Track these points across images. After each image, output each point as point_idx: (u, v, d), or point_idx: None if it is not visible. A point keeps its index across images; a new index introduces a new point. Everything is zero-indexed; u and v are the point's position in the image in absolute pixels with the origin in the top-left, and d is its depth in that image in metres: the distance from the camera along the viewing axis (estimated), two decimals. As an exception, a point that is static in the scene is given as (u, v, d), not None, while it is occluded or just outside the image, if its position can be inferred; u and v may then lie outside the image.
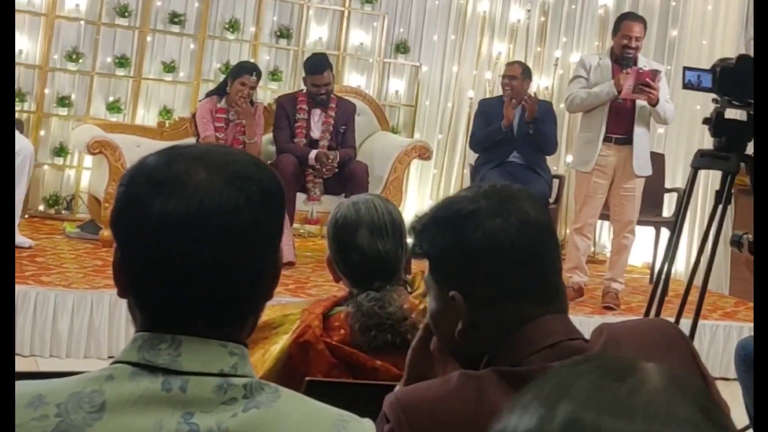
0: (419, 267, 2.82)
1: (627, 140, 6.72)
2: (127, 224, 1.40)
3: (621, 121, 6.75)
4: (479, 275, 1.70)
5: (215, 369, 1.36)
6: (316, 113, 7.26)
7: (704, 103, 7.87)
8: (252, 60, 8.05)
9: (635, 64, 6.70)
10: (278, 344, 2.60)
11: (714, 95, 4.73)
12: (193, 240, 1.35)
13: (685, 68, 4.98)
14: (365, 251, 2.62)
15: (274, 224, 1.44)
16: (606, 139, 6.75)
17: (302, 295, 5.89)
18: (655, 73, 6.52)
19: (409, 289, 2.68)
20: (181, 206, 1.34)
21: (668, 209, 8.13)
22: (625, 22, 6.85)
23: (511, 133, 7.37)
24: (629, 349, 1.69)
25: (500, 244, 1.68)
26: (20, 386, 1.38)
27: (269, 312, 2.65)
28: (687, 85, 4.87)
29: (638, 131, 6.73)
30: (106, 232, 6.71)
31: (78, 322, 5.50)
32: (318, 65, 7.21)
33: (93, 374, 1.37)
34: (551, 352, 1.66)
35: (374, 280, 2.61)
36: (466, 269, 1.71)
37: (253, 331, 1.50)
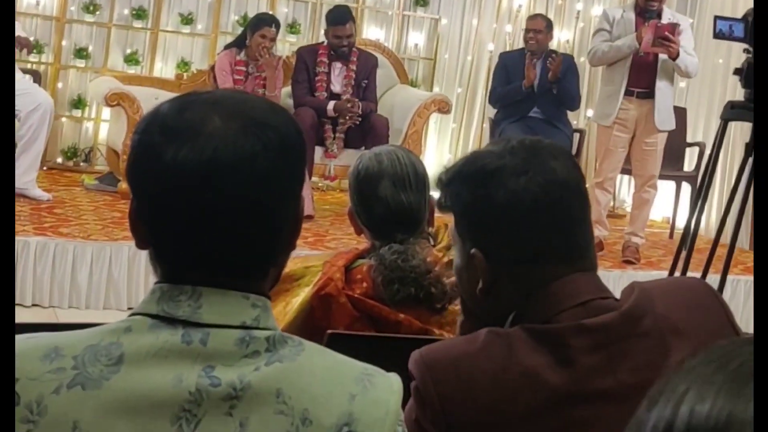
0: (443, 219, 2.80)
1: (649, 94, 6.66)
2: (141, 173, 1.36)
3: (643, 75, 6.68)
4: (501, 235, 1.67)
5: (237, 321, 1.33)
6: (337, 66, 7.21)
7: (727, 57, 7.79)
8: (270, 12, 7.99)
9: (659, 16, 6.61)
10: (300, 296, 2.59)
11: (745, 45, 4.65)
12: (206, 189, 1.31)
13: (716, 17, 4.89)
14: (388, 203, 2.58)
15: (293, 172, 1.39)
16: (627, 93, 6.69)
17: (321, 248, 5.88)
18: (674, 27, 6.44)
19: (432, 242, 2.65)
20: (194, 154, 1.31)
21: (689, 164, 8.07)
22: None
23: (532, 90, 7.32)
24: (662, 308, 1.66)
25: (523, 204, 1.64)
26: (36, 338, 1.35)
27: (290, 264, 2.59)
28: (718, 35, 4.79)
29: (660, 85, 6.66)
30: (125, 185, 6.65)
31: (97, 273, 5.50)
32: (341, 16, 7.16)
33: (110, 326, 1.35)
34: (581, 311, 1.63)
35: (397, 233, 2.58)
36: (488, 228, 1.68)
37: (276, 283, 1.47)
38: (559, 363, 1.59)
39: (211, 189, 1.31)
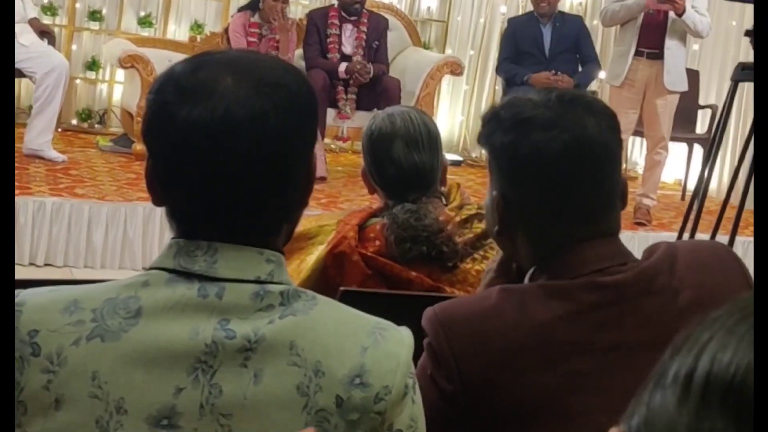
0: (455, 179, 2.83)
1: (659, 55, 6.66)
2: (156, 132, 1.39)
3: (652, 35, 6.68)
4: (520, 185, 1.70)
5: (252, 276, 1.37)
6: (348, 28, 7.22)
7: (740, 18, 7.76)
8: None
9: None
10: (313, 254, 2.61)
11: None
12: (219, 147, 1.34)
13: None
14: (401, 163, 2.60)
15: (305, 131, 1.42)
16: (638, 54, 6.70)
17: (334, 209, 5.91)
18: None
19: (444, 201, 2.68)
20: (206, 113, 1.34)
21: (701, 126, 8.06)
22: None
23: (543, 56, 7.31)
24: (683, 267, 1.68)
25: (544, 158, 1.65)
26: (55, 291, 1.39)
27: (304, 222, 2.65)
28: None
29: (670, 44, 6.65)
30: (139, 146, 6.74)
31: (112, 233, 5.55)
32: None
33: (128, 280, 1.39)
34: (598, 276, 1.65)
35: (410, 192, 2.60)
36: (510, 174, 1.70)
37: (290, 241, 1.51)
38: (569, 317, 1.62)
39: (223, 147, 1.34)
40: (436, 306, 1.69)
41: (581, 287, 1.64)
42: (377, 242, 2.57)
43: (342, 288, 2.35)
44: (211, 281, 1.36)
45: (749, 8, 4.65)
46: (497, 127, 1.70)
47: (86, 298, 1.36)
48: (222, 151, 1.34)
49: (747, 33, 4.65)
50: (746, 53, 4.83)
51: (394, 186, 2.63)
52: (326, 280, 2.54)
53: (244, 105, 1.35)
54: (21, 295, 1.38)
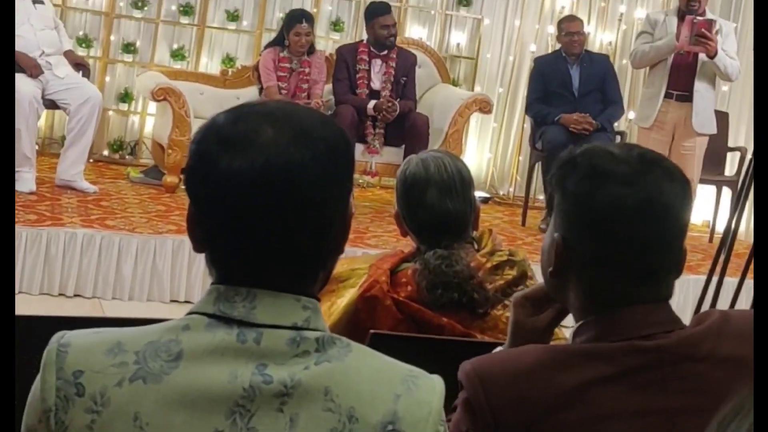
0: (487, 225, 2.85)
1: (688, 97, 6.68)
2: (198, 180, 1.43)
3: (682, 77, 6.71)
4: (587, 233, 1.69)
5: (289, 322, 1.40)
6: (377, 64, 7.28)
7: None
8: (314, 10, 8.07)
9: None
10: (345, 297, 2.64)
11: None
12: (259, 197, 1.38)
13: None
14: (434, 210, 2.62)
15: (342, 180, 1.46)
16: (667, 95, 6.73)
17: (361, 246, 5.92)
18: (710, 23, 6.47)
19: (476, 247, 2.69)
20: (247, 163, 1.37)
21: (730, 168, 8.05)
22: None
23: (573, 96, 7.33)
24: (735, 335, 1.68)
25: (619, 213, 1.65)
26: (100, 334, 1.43)
27: (337, 265, 2.66)
28: None
29: (699, 87, 6.68)
30: (169, 178, 6.80)
31: (141, 265, 5.59)
32: (384, 6, 7.28)
33: (170, 324, 1.42)
34: (641, 341, 1.65)
35: (442, 238, 2.62)
36: (578, 221, 1.70)
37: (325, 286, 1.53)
38: (611, 379, 1.63)
39: (263, 195, 1.38)
40: (473, 360, 1.69)
41: (623, 351, 1.64)
42: (409, 287, 2.59)
43: (372, 331, 2.37)
44: (249, 327, 1.39)
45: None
46: (572, 172, 1.70)
47: (129, 341, 1.40)
48: (262, 200, 1.38)
49: None
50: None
51: (426, 231, 2.65)
52: (357, 323, 2.56)
53: (284, 155, 1.38)
54: (66, 336, 1.42)
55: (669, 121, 6.71)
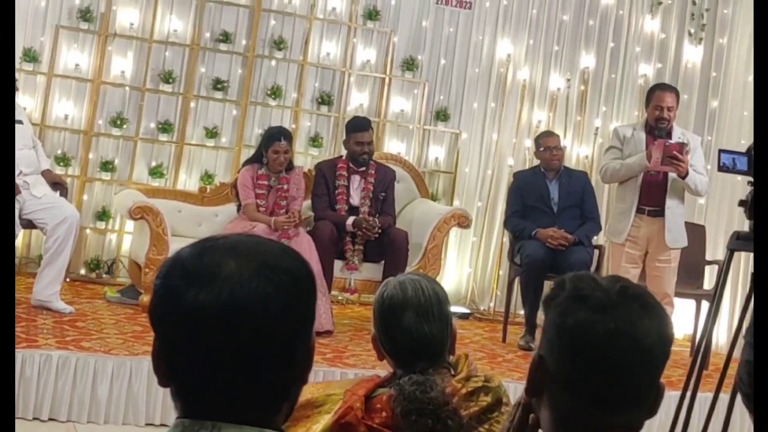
0: (462, 333, 2.83)
1: (659, 212, 6.75)
2: (163, 315, 1.44)
3: (653, 193, 6.79)
4: (558, 355, 1.70)
5: None
6: (356, 179, 7.31)
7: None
8: (293, 126, 8.15)
9: (669, 134, 6.74)
10: (320, 423, 2.61)
11: (749, 178, 4.71)
12: (224, 330, 1.39)
13: (721, 151, 4.97)
14: (411, 334, 2.63)
15: (304, 311, 1.48)
16: (639, 211, 6.82)
17: (340, 365, 5.86)
18: (682, 146, 6.56)
19: (452, 372, 2.68)
20: (212, 297, 1.39)
21: (709, 282, 8.05)
22: (657, 92, 6.94)
23: (551, 211, 7.37)
24: None
25: (584, 339, 1.67)
26: None
27: (312, 390, 2.67)
28: (722, 168, 4.86)
29: (670, 204, 6.75)
30: (146, 298, 6.75)
31: (117, 388, 5.51)
32: (361, 123, 7.34)
33: None
34: None
35: (418, 362, 2.62)
36: (552, 342, 1.71)
37: (293, 412, 1.53)
38: None
39: (227, 329, 1.39)
40: None
41: None
42: (384, 413, 2.56)
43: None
44: None
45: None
46: (559, 294, 1.73)
47: None
48: (226, 334, 1.39)
49: (741, 203, 4.71)
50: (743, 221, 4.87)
51: (403, 355, 2.65)
52: (332, 450, 2.53)
53: (247, 288, 1.40)
54: None
55: (642, 235, 6.77)
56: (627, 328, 1.67)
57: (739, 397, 5.97)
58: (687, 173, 6.59)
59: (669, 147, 6.53)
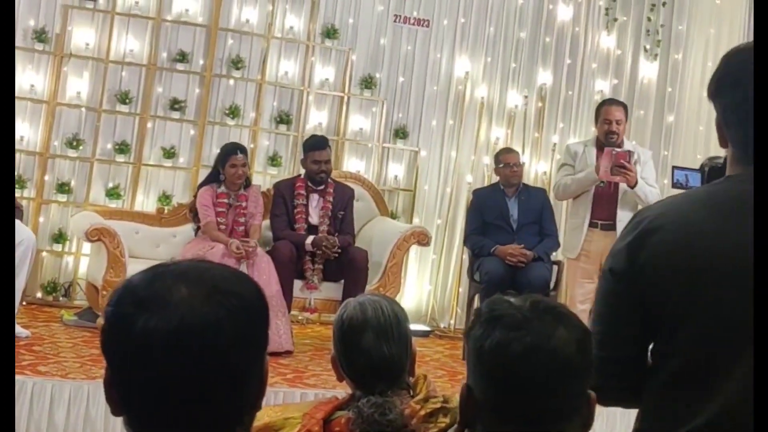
0: (423, 351, 2.82)
1: (612, 226, 6.79)
2: (115, 342, 1.43)
3: (605, 207, 6.84)
4: (480, 379, 1.71)
5: None
6: (314, 198, 7.29)
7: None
8: (251, 145, 8.13)
9: (620, 147, 6.79)
10: (279, 448, 2.59)
11: None
12: (175, 356, 1.37)
13: (674, 167, 5.03)
14: (370, 355, 2.61)
15: (257, 336, 1.46)
16: (592, 225, 6.87)
17: (300, 386, 5.82)
18: (628, 153, 6.60)
19: (411, 393, 2.66)
20: (162, 323, 1.37)
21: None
22: (605, 107, 7.05)
23: (511, 228, 7.39)
24: None
25: (502, 357, 1.67)
26: None
27: (270, 413, 2.65)
28: (675, 185, 4.92)
29: (622, 216, 6.79)
30: (103, 320, 6.67)
31: (74, 413, 5.44)
32: (319, 142, 7.33)
33: None
34: None
35: (378, 383, 2.61)
36: (475, 368, 1.72)
37: None
38: None
39: (179, 355, 1.37)
40: None
41: None
42: (342, 437, 2.54)
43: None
44: None
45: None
46: (476, 321, 1.74)
47: None
48: (178, 360, 1.37)
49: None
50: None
51: (362, 376, 2.63)
52: (290, 474, 2.51)
53: (198, 314, 1.38)
54: None
55: (594, 250, 6.81)
56: (543, 342, 1.67)
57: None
58: (636, 183, 6.64)
59: (617, 155, 6.58)
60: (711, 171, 4.67)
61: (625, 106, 7.09)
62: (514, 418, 1.68)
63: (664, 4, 9.07)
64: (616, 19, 9.10)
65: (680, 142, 8.79)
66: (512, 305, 1.71)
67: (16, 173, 7.72)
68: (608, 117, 6.92)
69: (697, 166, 4.95)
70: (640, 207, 6.82)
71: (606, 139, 6.86)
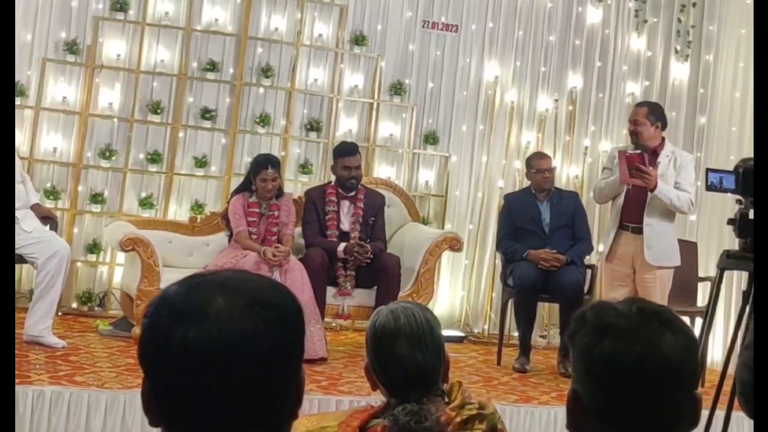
0: (457, 377, 2.82)
1: (641, 229, 6.76)
2: (152, 355, 1.42)
3: (634, 210, 6.81)
4: (589, 387, 1.72)
5: None
6: (345, 205, 7.30)
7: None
8: (282, 153, 8.14)
9: (655, 152, 6.76)
10: (315, 457, 2.60)
11: (738, 196, 4.72)
12: (213, 368, 1.37)
13: (708, 170, 4.99)
14: (404, 363, 2.61)
15: (294, 346, 1.46)
16: (623, 227, 6.83)
17: (334, 392, 5.82)
18: (641, 156, 6.56)
19: (446, 400, 2.66)
20: (201, 335, 1.37)
21: (702, 298, 8.03)
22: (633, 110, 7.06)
23: (543, 233, 7.37)
24: None
25: (613, 366, 1.69)
26: None
27: (307, 423, 2.66)
28: (710, 187, 4.88)
29: (650, 220, 6.75)
30: (139, 329, 6.70)
31: (111, 422, 5.47)
32: (348, 148, 7.34)
33: None
34: None
35: (412, 391, 2.61)
36: (583, 375, 1.73)
37: None
38: None
39: (218, 368, 1.37)
40: None
41: None
42: (379, 445, 2.55)
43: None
44: None
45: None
46: (581, 328, 1.75)
47: None
48: (217, 372, 1.37)
49: (729, 221, 4.71)
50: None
51: (396, 385, 2.63)
52: (327, 483, 2.52)
53: (237, 325, 1.38)
54: None
55: (625, 253, 6.80)
56: (651, 350, 1.68)
57: (734, 414, 5.95)
58: (655, 185, 6.59)
59: (630, 157, 6.54)
60: (745, 173, 4.64)
61: (649, 106, 7.00)
62: (624, 425, 1.70)
63: (694, 4, 9.02)
64: (646, 21, 9.05)
65: (713, 143, 8.71)
66: (619, 312, 1.73)
67: (49, 184, 7.79)
68: (629, 119, 6.96)
69: (731, 168, 4.92)
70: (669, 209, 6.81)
71: (632, 142, 6.87)
